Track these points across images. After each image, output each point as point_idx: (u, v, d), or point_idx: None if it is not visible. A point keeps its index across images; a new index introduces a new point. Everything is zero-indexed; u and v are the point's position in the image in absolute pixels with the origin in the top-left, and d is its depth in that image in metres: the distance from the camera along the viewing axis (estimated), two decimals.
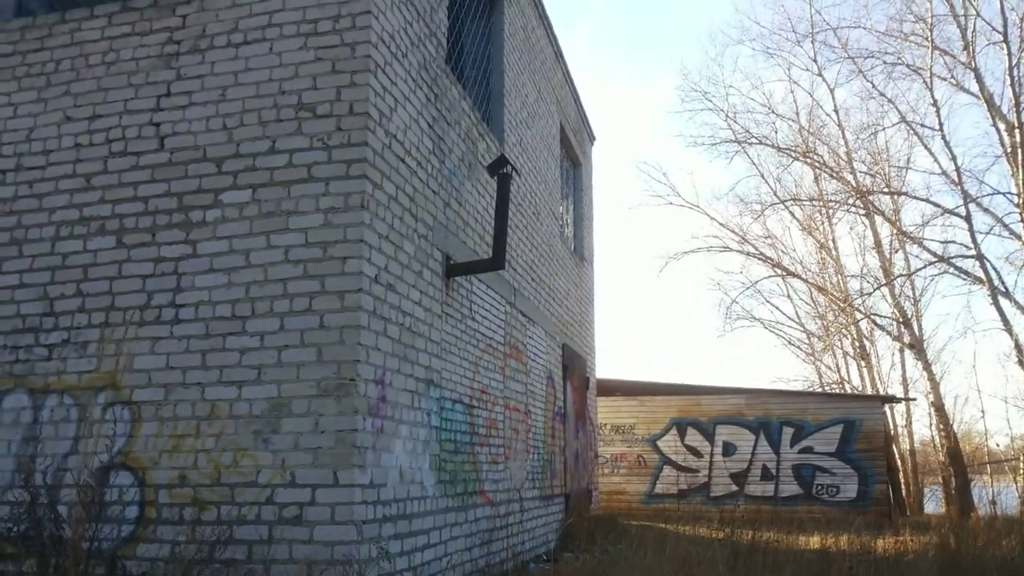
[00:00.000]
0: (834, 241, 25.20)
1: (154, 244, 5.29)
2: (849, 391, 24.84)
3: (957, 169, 18.15)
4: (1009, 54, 16.58)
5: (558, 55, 11.59)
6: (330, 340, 4.88)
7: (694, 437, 16.96)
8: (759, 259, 25.72)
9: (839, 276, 24.98)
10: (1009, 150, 16.97)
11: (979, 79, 17.43)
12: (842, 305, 23.28)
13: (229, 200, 5.22)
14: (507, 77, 8.79)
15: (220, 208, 5.23)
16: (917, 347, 20.15)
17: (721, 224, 26.03)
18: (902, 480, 19.71)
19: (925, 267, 20.04)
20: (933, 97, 18.44)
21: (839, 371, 26.90)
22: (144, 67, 5.60)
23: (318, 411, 4.80)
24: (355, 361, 4.84)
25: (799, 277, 25.70)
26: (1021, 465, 18.82)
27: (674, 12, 59.54)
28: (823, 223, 25.20)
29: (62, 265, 5.43)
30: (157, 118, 5.48)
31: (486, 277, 7.49)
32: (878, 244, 21.95)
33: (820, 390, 25.64)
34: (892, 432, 19.74)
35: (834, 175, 21.95)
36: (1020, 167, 16.47)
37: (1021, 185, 16.51)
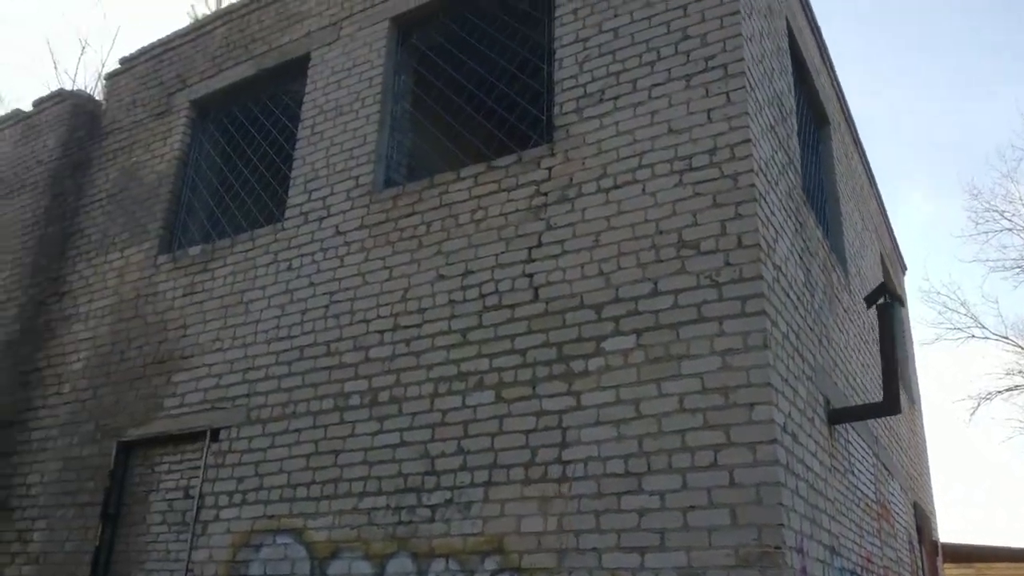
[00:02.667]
0: None
1: (535, 397, 5.06)
2: None
3: None
4: None
5: (871, 181, 10.80)
6: (745, 500, 4.26)
7: None
8: None
9: None
10: None
11: None
12: None
13: (612, 347, 4.91)
14: (841, 204, 8.16)
15: (603, 356, 4.92)
16: None
17: None
18: None
19: None
20: None
21: None
22: (513, 221, 5.62)
23: None
24: (779, 525, 4.15)
25: None
26: None
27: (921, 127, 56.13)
28: None
29: (442, 422, 5.34)
30: (529, 269, 5.41)
31: (856, 424, 6.59)
32: None
33: None
34: None
35: None
36: None
37: None
